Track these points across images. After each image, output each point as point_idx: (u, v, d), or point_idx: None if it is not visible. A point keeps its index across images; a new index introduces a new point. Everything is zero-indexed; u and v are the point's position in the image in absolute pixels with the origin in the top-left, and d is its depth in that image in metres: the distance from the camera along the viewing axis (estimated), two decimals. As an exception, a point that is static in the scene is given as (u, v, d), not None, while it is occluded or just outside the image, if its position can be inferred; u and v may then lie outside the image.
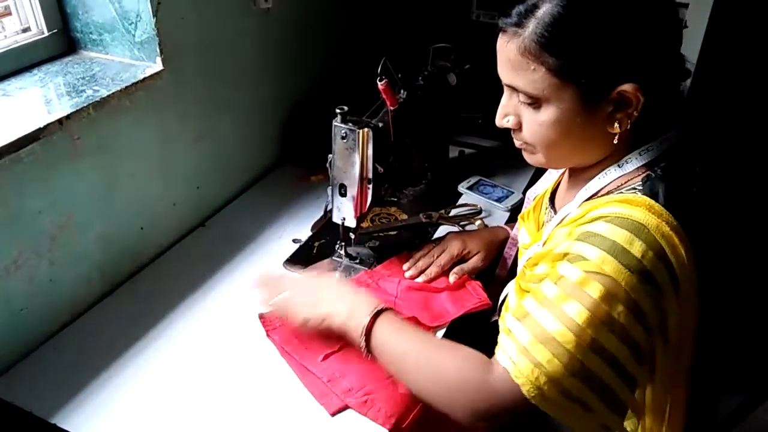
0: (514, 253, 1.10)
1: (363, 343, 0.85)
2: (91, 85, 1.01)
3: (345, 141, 1.06)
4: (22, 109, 0.94)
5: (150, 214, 1.16)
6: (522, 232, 0.99)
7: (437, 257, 1.13)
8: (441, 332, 1.03)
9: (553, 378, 0.68)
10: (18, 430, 0.85)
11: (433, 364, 0.79)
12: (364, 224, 1.28)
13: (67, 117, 0.93)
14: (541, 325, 0.70)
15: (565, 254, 0.73)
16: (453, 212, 1.32)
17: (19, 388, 0.92)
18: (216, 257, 1.18)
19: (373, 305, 0.87)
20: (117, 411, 0.89)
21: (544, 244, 0.85)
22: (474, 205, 1.34)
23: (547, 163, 0.83)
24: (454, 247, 1.14)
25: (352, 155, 1.07)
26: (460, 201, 1.37)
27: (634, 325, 0.68)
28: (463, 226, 1.28)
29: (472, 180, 1.42)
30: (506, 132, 1.55)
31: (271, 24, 1.34)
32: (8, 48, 1.03)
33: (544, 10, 0.71)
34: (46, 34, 1.08)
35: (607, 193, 0.79)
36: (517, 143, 0.85)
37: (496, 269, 1.14)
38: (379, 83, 1.10)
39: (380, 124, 1.12)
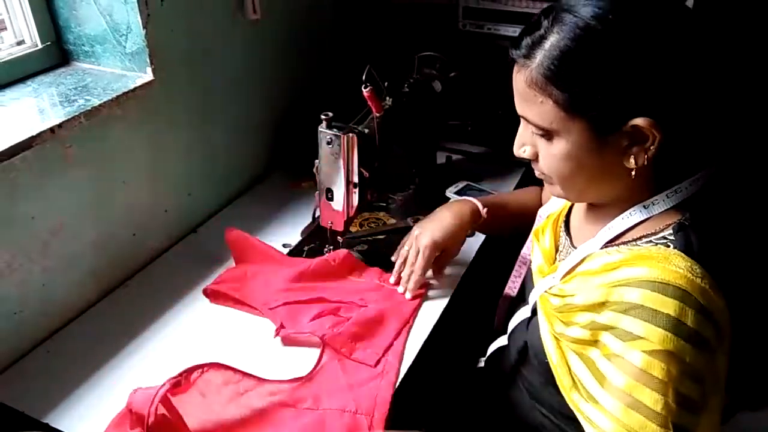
0: (523, 273, 1.06)
1: None
2: (83, 95, 1.04)
3: (330, 146, 1.09)
4: (15, 119, 0.97)
5: (142, 220, 1.18)
6: (536, 251, 0.95)
7: (414, 264, 1.10)
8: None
9: None
10: (11, 430, 0.87)
11: None
12: (353, 228, 1.30)
13: (59, 126, 0.96)
14: (619, 418, 0.69)
15: (611, 327, 0.70)
16: (440, 216, 1.34)
17: (12, 390, 0.94)
18: (207, 263, 1.20)
19: None
20: (108, 411, 0.90)
21: (562, 280, 0.82)
22: (461, 209, 1.36)
23: (566, 195, 0.82)
24: (428, 250, 1.09)
25: (337, 160, 1.10)
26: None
27: (701, 393, 0.67)
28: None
29: (460, 185, 1.45)
30: (495, 138, 1.59)
31: (259, 34, 1.37)
32: (3, 60, 1.06)
33: (552, 42, 0.70)
34: (40, 46, 1.12)
35: (635, 239, 0.76)
36: (537, 174, 0.83)
37: (505, 288, 1.10)
38: (364, 90, 1.13)
39: (366, 130, 1.15)
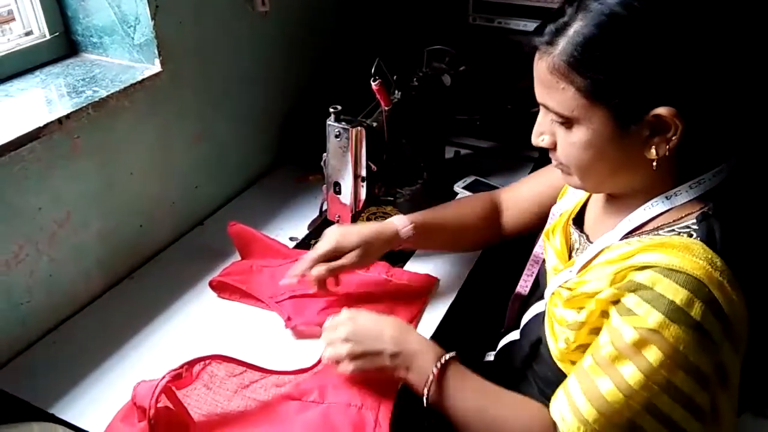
0: (535, 271, 1.05)
1: (427, 395, 0.83)
2: (90, 86, 1.04)
3: (338, 140, 1.08)
4: (23, 109, 0.97)
5: (149, 212, 1.18)
6: (548, 251, 0.93)
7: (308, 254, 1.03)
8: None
9: None
10: (17, 420, 0.87)
11: (498, 423, 0.80)
12: (360, 222, 1.30)
13: (67, 117, 0.96)
14: (595, 383, 0.70)
15: (615, 302, 0.71)
16: (448, 211, 1.33)
17: (18, 380, 0.94)
18: (213, 255, 1.20)
19: (438, 353, 0.84)
20: (114, 402, 0.90)
21: (579, 273, 0.82)
22: (469, 204, 1.35)
23: (583, 186, 0.80)
24: (325, 243, 1.02)
25: (345, 154, 1.09)
26: (456, 200, 1.39)
27: (695, 388, 0.66)
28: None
29: (468, 179, 1.44)
30: (504, 133, 1.58)
31: (267, 27, 1.36)
32: (11, 51, 1.06)
33: (575, 29, 0.69)
34: (48, 37, 1.11)
35: (656, 228, 0.75)
36: (554, 163, 0.82)
37: (516, 287, 1.09)
38: (372, 83, 1.12)
39: (374, 124, 1.14)
